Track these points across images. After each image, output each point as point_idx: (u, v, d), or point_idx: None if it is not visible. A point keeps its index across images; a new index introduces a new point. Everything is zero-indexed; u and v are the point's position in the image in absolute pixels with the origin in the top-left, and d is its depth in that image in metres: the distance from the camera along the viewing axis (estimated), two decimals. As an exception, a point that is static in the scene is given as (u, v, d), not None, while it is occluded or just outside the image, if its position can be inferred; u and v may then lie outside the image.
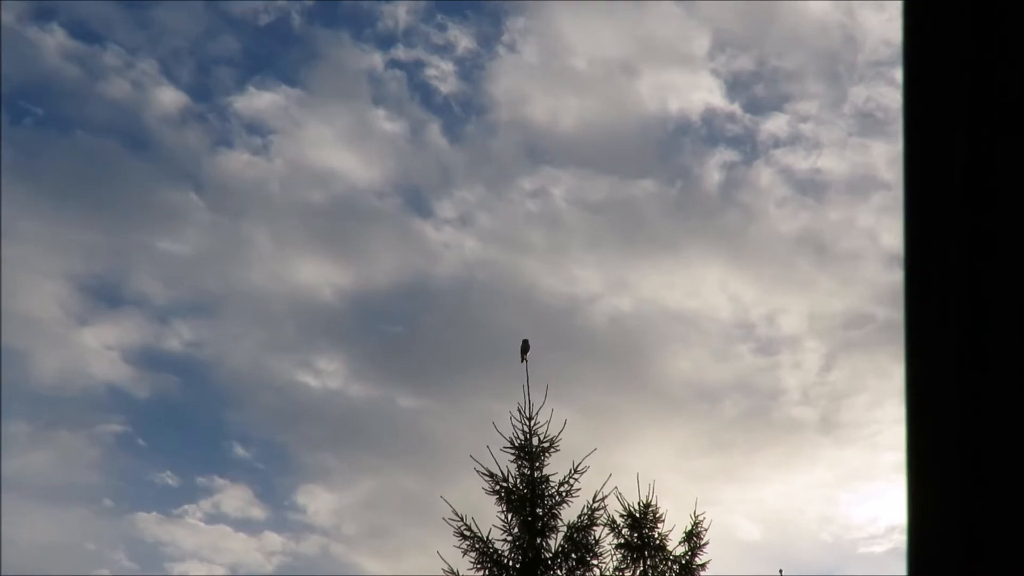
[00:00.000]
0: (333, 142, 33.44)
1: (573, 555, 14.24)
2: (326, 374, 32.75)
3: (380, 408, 33.10)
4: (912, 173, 1.54)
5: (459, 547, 14.12)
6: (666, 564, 14.74)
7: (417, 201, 34.50)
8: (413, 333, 33.18)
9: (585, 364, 31.13)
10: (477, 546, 14.13)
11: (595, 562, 14.28)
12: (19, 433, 30.08)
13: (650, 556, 14.74)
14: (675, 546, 15.02)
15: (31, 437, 30.53)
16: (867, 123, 32.86)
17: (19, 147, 30.53)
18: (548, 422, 14.74)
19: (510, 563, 14.10)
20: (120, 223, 33.90)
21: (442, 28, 31.51)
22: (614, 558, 14.59)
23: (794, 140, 32.60)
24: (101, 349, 32.86)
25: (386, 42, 32.52)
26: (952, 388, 1.49)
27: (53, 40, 29.83)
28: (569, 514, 14.51)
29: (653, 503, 15.01)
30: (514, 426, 14.76)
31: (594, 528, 14.43)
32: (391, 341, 33.29)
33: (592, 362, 31.70)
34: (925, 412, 1.50)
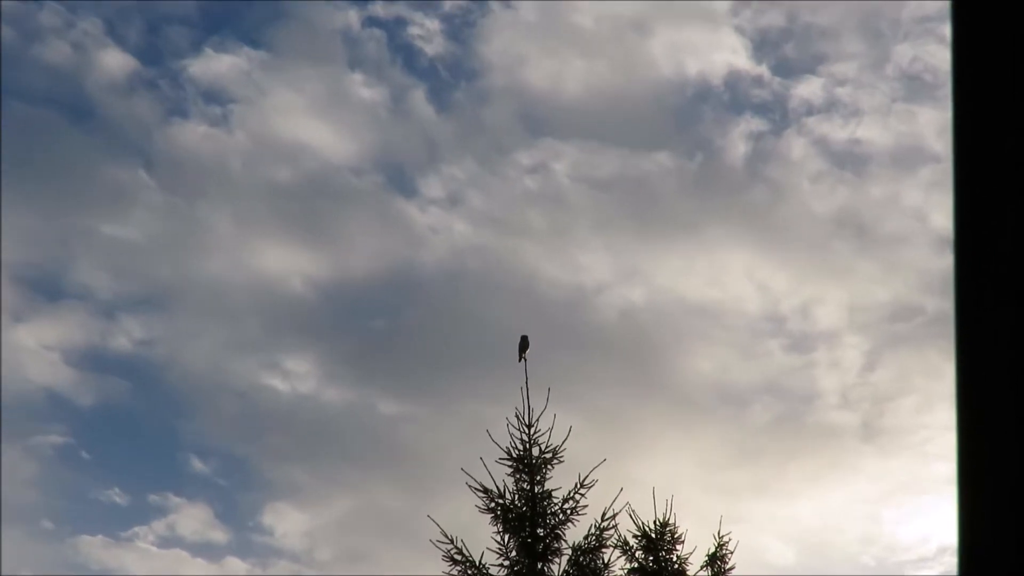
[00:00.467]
0: (303, 112, 33.43)
1: (579, 581, 14.30)
2: (296, 376, 32.78)
3: (358, 415, 33.13)
4: (963, 143, 1.52)
5: (449, 573, 14.17)
6: (686, 591, 14.88)
7: (399, 179, 34.52)
8: (396, 329, 33.21)
9: (592, 364, 31.16)
10: (469, 572, 14.20)
11: (604, 589, 14.32)
12: (-56, 445, 30.07)
13: (667, 582, 14.79)
14: (696, 571, 15.04)
15: (-42, 450, 30.54)
16: (913, 87, 32.93)
17: (-58, 118, 30.51)
18: (550, 430, 14.79)
19: (507, 591, 14.20)
20: (60, 205, 33.94)
21: (427, -21, 31.54)
22: (626, 585, 14.59)
23: (830, 107, 32.63)
24: (39, 349, 32.91)
25: (363, -4, 32.54)
26: (1010, 389, 1.48)
27: (-20, -5, 29.84)
28: (575, 535, 14.58)
29: (671, 522, 15.05)
30: (511, 435, 14.80)
31: (603, 551, 14.49)
32: (370, 338, 33.30)
33: (600, 361, 31.73)
34: (980, 416, 1.50)
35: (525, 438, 14.82)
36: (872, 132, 33.14)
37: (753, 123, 32.70)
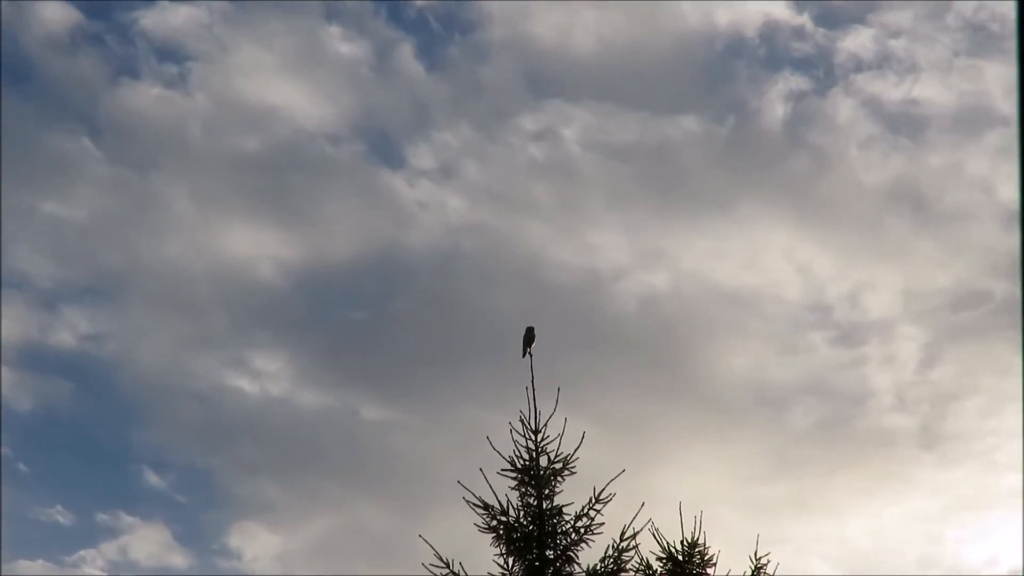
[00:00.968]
0: (272, 71, 33.43)
1: (596, 611, 14.35)
2: (266, 376, 32.84)
3: (338, 421, 33.14)
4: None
5: (444, 602, 14.15)
6: (718, 622, 14.83)
7: (384, 148, 34.52)
8: (381, 322, 33.21)
9: (609, 360, 31.12)
10: (468, 600, 14.18)
11: (625, 620, 14.45)
12: None
13: (697, 611, 14.85)
14: (730, 598, 14.99)
15: None
16: (978, 38, 32.88)
17: None
18: (560, 436, 14.83)
19: (512, 622, 14.35)
20: (-8, 180, 33.79)
21: (415, -84, 31.45)
22: (650, 614, 14.73)
23: (882, 62, 32.59)
24: (-32, 346, 32.84)
25: (341, -64, 32.46)
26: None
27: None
28: (589, 557, 14.58)
29: (701, 542, 15.06)
30: (515, 442, 14.86)
31: (623, 575, 14.50)
32: (352, 333, 33.32)
33: (618, 358, 31.68)
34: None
35: (531, 446, 14.88)
36: (931, 91, 33.17)
37: (793, 81, 32.73)
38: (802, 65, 33.20)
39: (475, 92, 33.58)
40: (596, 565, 14.48)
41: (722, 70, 33.19)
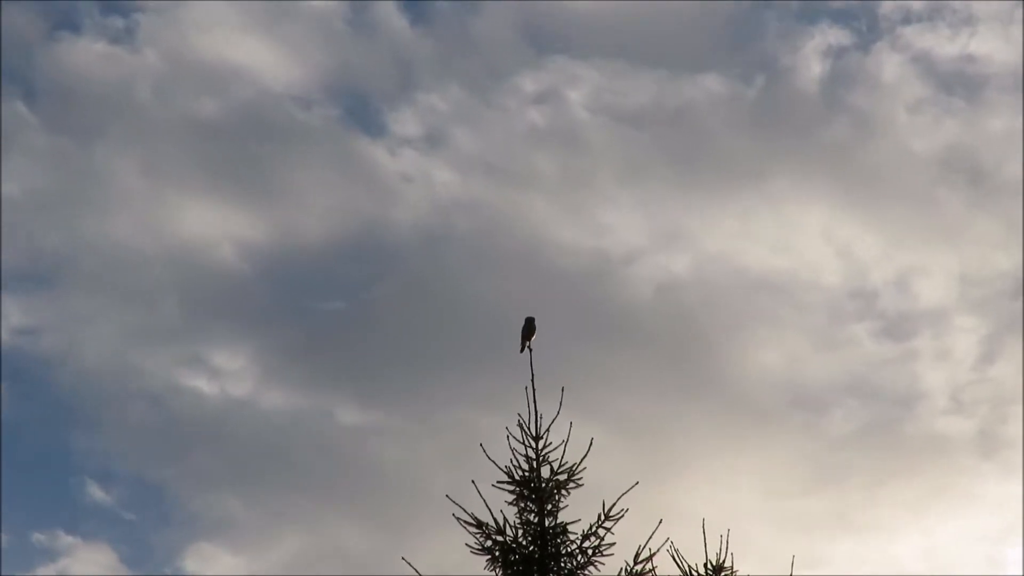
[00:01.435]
0: (234, 26, 33.29)
1: (606, 645, 14.34)
2: (227, 375, 32.81)
3: (310, 426, 33.08)
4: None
5: (432, 634, 14.21)
6: (748, 657, 14.73)
7: (363, 112, 34.40)
8: (359, 312, 33.12)
9: (620, 356, 31.05)
10: (460, 632, 14.26)
11: (640, 655, 14.41)
12: None
13: (723, 645, 14.77)
14: (761, 628, 14.91)
15: None
16: (1045, -16, 32.66)
17: None
18: (564, 443, 14.83)
19: (509, 657, 14.38)
20: (-89, 150, 33.67)
21: None
22: (668, 648, 14.57)
23: (933, 13, 32.50)
24: None
25: None
26: None
27: None
28: (599, 582, 14.53)
29: (727, 564, 15.00)
30: (513, 450, 14.86)
31: (637, 603, 14.45)
32: (326, 325, 33.23)
33: (631, 352, 31.61)
34: None
35: (531, 454, 14.89)
36: (989, 46, 33.12)
37: (831, 35, 32.67)
38: (841, 17, 33.18)
39: (466, 49, 33.51)
40: (607, 591, 14.40)
41: (750, 24, 33.11)
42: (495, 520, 14.57)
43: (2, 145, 32.83)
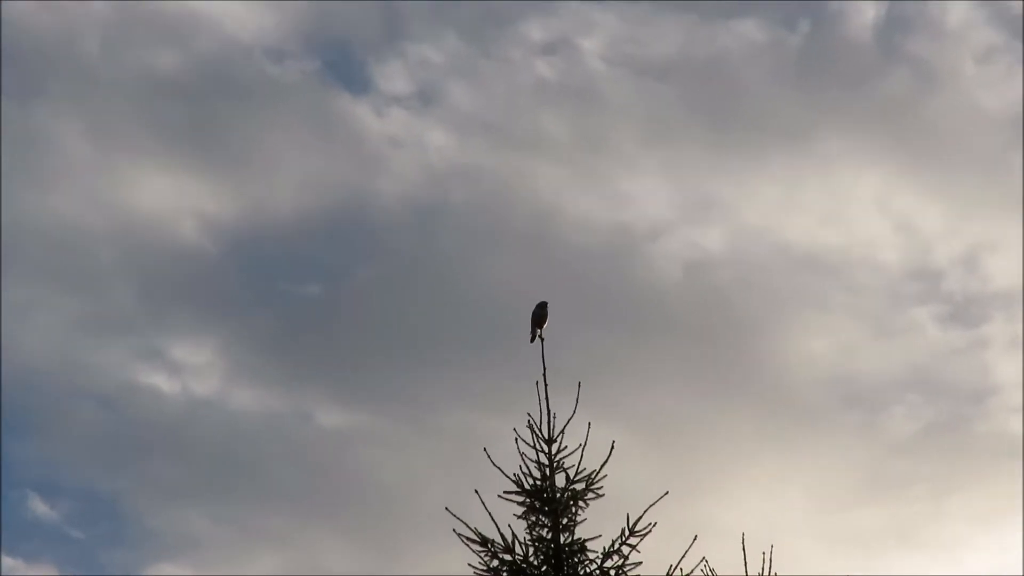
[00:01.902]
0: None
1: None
2: (189, 371, 31.51)
3: (285, 430, 31.75)
4: None
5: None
6: None
7: (344, 66, 32.94)
8: (341, 298, 31.78)
9: (645, 346, 29.62)
10: (463, 665, 14.12)
11: None
12: None
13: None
14: (808, 657, 14.76)
15: None
16: None
17: None
18: (582, 447, 14.46)
19: None
20: None
21: None
22: None
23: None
24: None
25: None
26: None
27: None
28: (623, 607, 14.44)
29: (772, 585, 14.67)
30: (522, 455, 14.53)
31: (667, 629, 14.36)
32: (303, 313, 31.91)
33: (657, 342, 30.18)
34: None
35: (543, 460, 14.61)
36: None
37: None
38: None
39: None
40: (632, 617, 14.45)
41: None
42: (502, 536, 14.28)
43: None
